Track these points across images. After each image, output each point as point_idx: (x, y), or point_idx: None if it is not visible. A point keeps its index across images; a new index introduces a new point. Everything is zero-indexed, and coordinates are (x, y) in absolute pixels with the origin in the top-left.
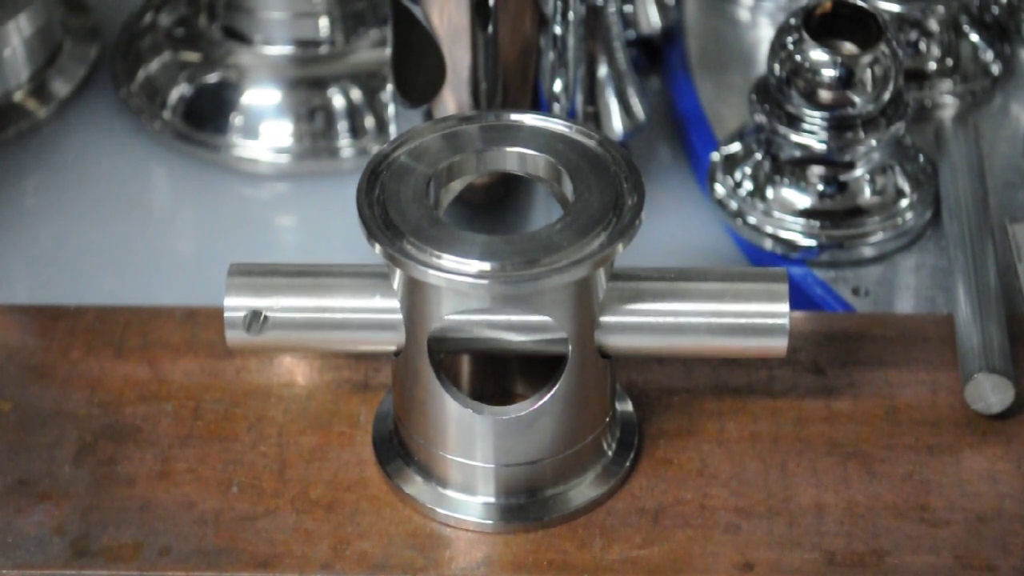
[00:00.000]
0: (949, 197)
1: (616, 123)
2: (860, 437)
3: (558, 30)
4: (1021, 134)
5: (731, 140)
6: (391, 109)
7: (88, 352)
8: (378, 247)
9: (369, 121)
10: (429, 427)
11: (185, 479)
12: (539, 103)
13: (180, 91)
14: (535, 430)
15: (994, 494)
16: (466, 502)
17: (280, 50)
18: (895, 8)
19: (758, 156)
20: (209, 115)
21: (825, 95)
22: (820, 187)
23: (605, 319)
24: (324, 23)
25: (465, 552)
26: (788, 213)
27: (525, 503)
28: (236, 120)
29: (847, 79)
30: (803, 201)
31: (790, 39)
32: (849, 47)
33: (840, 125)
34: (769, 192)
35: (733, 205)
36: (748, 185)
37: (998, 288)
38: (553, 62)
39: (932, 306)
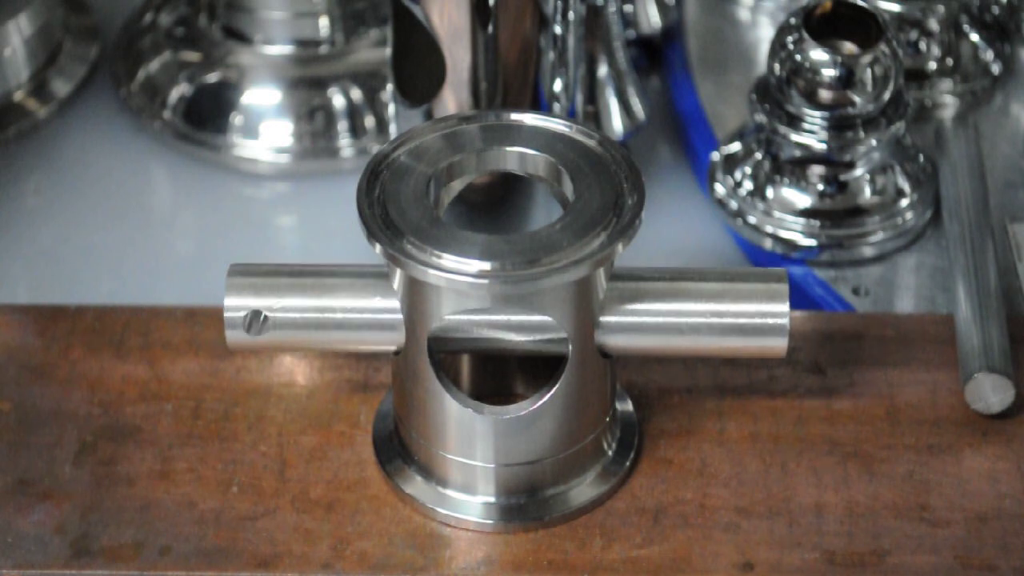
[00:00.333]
0: (949, 197)
1: (616, 123)
2: (860, 437)
3: (558, 30)
4: (1021, 134)
5: (731, 140)
6: (391, 109)
7: (88, 352)
8: (378, 247)
9: (369, 121)
10: (429, 427)
11: (185, 479)
12: (539, 103)
13: (180, 91)
14: (535, 430)
15: (994, 494)
16: (466, 502)
17: (280, 50)
18: (895, 8)
19: (758, 156)
20: (209, 115)
21: (825, 95)
22: (820, 187)
23: (605, 319)
24: (324, 23)
25: (465, 552)
26: (788, 213)
27: (525, 503)
28: (236, 120)
29: (847, 79)
30: (803, 201)
31: (790, 39)
32: (849, 47)
33: (840, 125)
34: (769, 192)
35: (733, 205)
36: (748, 185)
37: (998, 288)
38: (553, 62)
39: (932, 306)
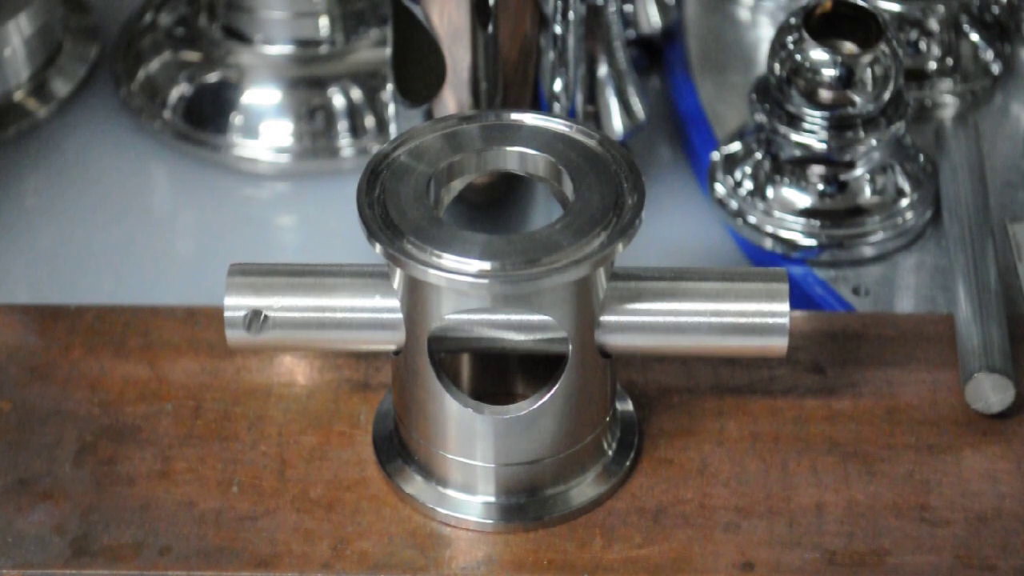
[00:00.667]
0: (949, 197)
1: (616, 123)
2: (860, 437)
3: (558, 30)
4: (1021, 134)
5: (731, 140)
6: (391, 109)
7: (88, 352)
8: (378, 247)
9: (369, 121)
10: (429, 427)
11: (185, 479)
12: (539, 103)
13: (180, 91)
14: (535, 430)
15: (994, 494)
16: (466, 501)
17: (280, 50)
18: (895, 8)
19: (758, 156)
20: (209, 115)
21: (825, 95)
22: (820, 187)
23: (605, 319)
24: (324, 23)
25: (465, 551)
26: (788, 213)
27: (525, 503)
28: (236, 120)
29: (847, 79)
30: (803, 201)
31: (790, 39)
32: (849, 47)
33: (840, 125)
34: (769, 192)
35: (733, 205)
36: (748, 185)
37: (998, 288)
38: (553, 62)
39: (932, 306)
